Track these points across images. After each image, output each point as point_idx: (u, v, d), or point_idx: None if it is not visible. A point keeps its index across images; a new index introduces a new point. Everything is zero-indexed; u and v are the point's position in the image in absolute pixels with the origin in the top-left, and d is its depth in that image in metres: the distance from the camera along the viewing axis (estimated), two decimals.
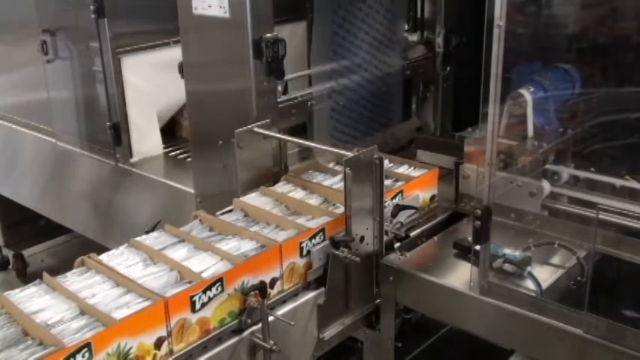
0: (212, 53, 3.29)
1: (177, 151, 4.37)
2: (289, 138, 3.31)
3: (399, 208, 3.04)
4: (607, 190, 3.04)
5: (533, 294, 2.69)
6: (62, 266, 2.66)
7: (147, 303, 2.38)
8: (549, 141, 3.15)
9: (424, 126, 4.31)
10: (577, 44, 3.24)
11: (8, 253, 5.95)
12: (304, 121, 3.60)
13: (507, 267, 2.77)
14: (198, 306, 2.43)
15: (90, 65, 4.14)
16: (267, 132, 3.18)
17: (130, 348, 2.27)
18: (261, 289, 2.55)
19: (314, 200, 3.11)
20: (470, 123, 3.41)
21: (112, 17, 3.93)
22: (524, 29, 3.09)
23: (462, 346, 3.34)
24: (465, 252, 2.92)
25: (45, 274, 2.58)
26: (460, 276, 2.83)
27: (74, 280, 2.58)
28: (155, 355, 2.34)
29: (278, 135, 3.28)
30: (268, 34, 3.12)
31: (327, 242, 2.79)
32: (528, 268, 2.76)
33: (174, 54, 3.57)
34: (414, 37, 4.21)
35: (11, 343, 2.28)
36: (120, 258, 2.72)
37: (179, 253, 2.72)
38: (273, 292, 2.68)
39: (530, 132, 3.12)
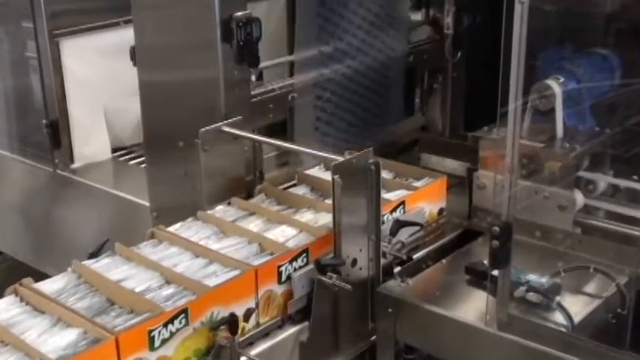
0: (171, 35, 3.28)
1: (129, 155, 4.36)
2: (265, 139, 3.30)
3: (399, 225, 3.04)
4: None
5: (563, 329, 2.68)
6: None
7: None
8: (583, 143, 3.15)
9: (430, 124, 4.30)
10: (617, 24, 3.24)
11: None
12: (284, 119, 3.58)
13: (532, 296, 2.76)
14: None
15: (22, 50, 4.14)
16: (238, 131, 3.17)
17: None
18: (232, 322, 2.53)
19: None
20: (485, 121, 3.41)
21: None
22: (553, 6, 3.09)
23: None
24: (479, 278, 2.91)
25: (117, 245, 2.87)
26: (474, 307, 2.83)
27: None
28: None
29: (251, 135, 3.27)
30: (239, 13, 3.11)
31: (311, 266, 2.78)
32: (557, 298, 2.75)
33: (124, 36, 3.56)
34: (418, 16, 4.20)
35: (99, 311, 2.52)
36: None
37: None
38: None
39: (560, 132, 3.12)
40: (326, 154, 3.04)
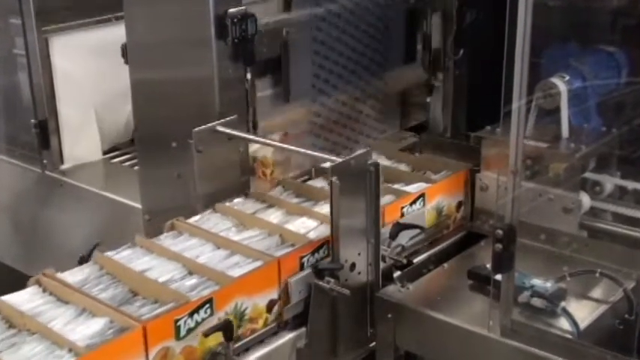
0: (163, 32, 3.27)
1: (121, 156, 4.35)
2: (262, 139, 3.29)
3: (399, 228, 3.03)
4: None
5: (568, 336, 2.68)
6: None
7: None
8: (589, 143, 3.15)
9: (431, 124, 4.29)
10: (624, 20, 3.24)
11: None
12: (278, 55, 3.50)
13: (536, 302, 2.76)
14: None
15: (10, 47, 4.13)
16: (233, 132, 3.16)
17: None
18: (226, 329, 2.53)
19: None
20: (488, 120, 3.40)
21: None
22: (558, 1, 3.09)
23: None
24: (482, 283, 2.91)
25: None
26: (476, 313, 2.83)
27: None
28: None
29: (247, 135, 3.26)
30: (234, 9, 3.10)
31: (308, 270, 2.78)
32: (562, 304, 2.75)
33: (116, 33, 3.55)
34: None
35: (123, 301, 2.59)
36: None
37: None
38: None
39: (565, 132, 3.12)
40: (323, 155, 3.04)
